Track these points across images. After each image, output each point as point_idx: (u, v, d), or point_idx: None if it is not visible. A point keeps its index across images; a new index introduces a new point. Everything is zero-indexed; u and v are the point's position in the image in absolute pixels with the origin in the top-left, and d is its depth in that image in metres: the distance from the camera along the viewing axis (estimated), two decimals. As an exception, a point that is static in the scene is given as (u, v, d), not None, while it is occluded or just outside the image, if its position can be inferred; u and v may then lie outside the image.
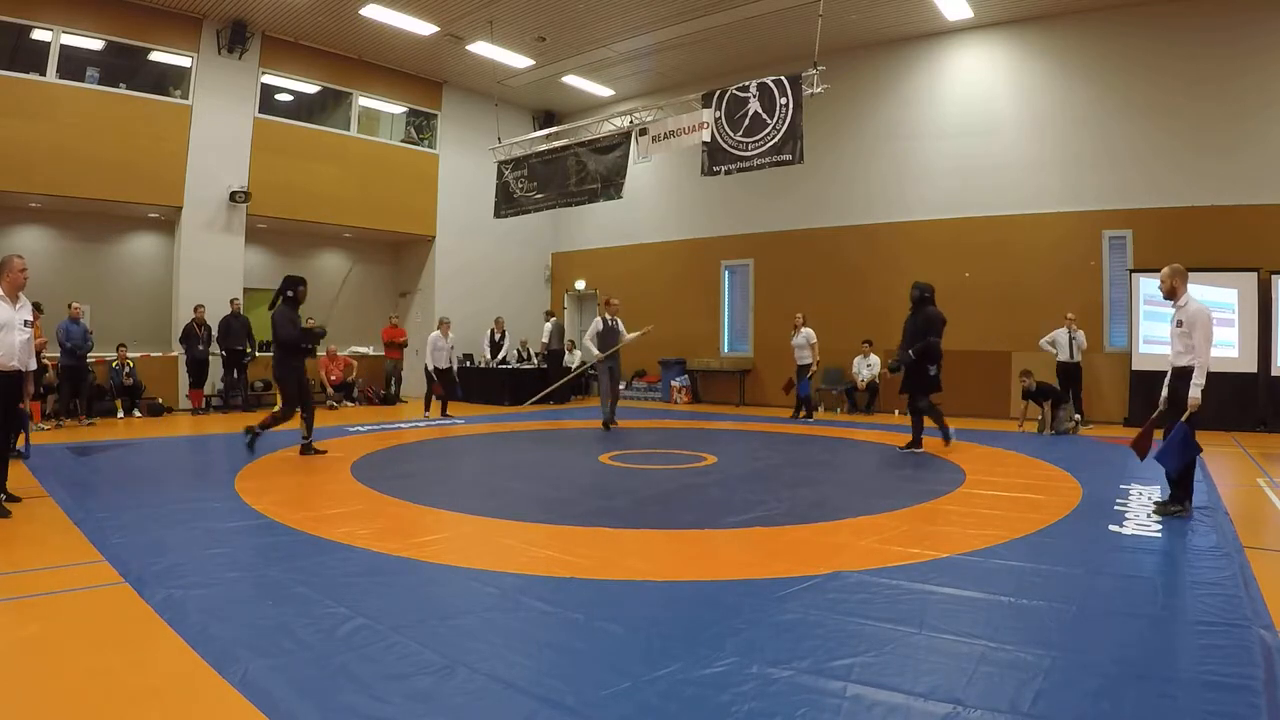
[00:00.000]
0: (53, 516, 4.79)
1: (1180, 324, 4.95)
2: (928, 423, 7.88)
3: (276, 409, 7.52)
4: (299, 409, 7.38)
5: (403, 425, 10.37)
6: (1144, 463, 5.39)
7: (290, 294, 7.29)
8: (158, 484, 6.09)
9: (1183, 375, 4.87)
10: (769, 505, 5.28)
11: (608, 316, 10.13)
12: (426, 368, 11.36)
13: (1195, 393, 4.77)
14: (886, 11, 11.52)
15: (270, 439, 8.66)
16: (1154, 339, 10.35)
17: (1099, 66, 11.01)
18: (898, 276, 12.55)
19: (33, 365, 5.06)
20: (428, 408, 11.69)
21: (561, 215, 15.78)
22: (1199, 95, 10.30)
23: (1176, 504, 4.93)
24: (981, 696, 2.34)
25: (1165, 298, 5.15)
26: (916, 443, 7.83)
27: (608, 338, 10.01)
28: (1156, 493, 5.53)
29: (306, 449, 7.46)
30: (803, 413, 11.46)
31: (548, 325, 14.80)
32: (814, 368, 11.50)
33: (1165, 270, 5.10)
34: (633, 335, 10.23)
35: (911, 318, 7.78)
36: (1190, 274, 5.17)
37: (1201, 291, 5.12)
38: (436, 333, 11.37)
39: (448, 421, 10.94)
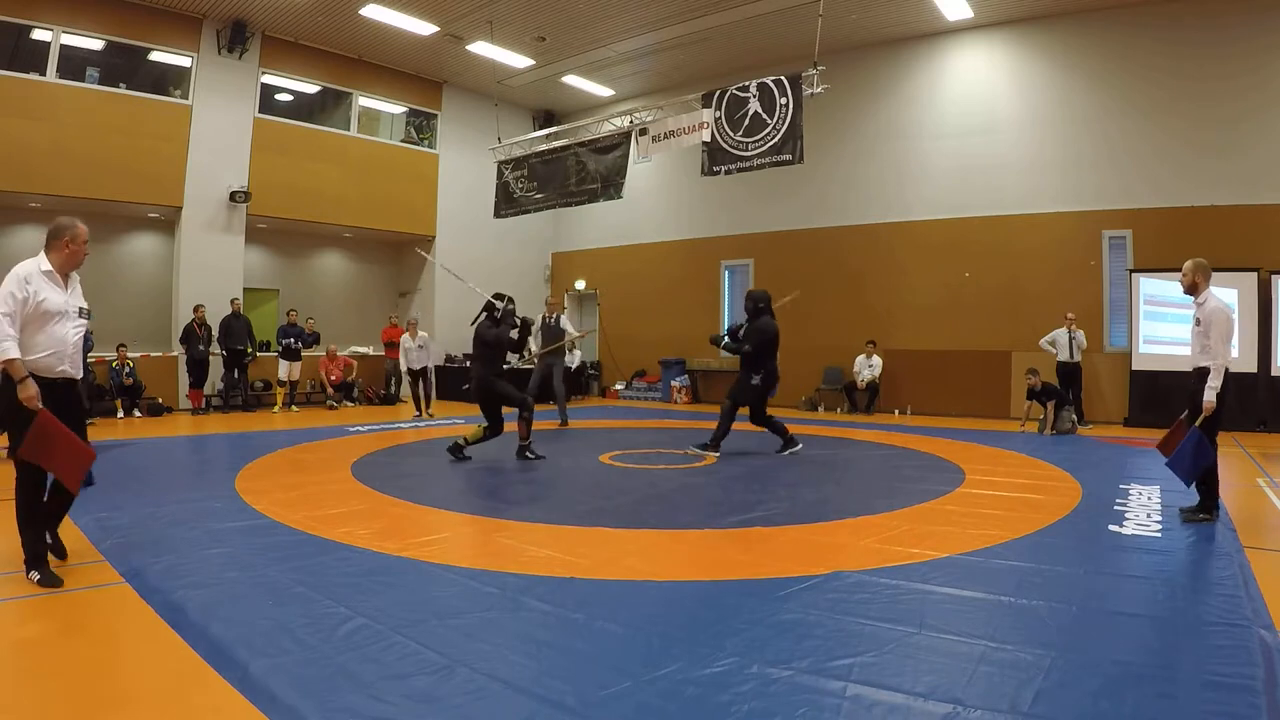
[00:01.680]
0: (53, 516, 4.78)
1: (1199, 323, 4.73)
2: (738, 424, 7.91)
3: (523, 415, 7.16)
4: (525, 409, 7.12)
5: (403, 425, 10.37)
6: (1149, 464, 5.38)
7: (495, 313, 7.08)
8: (158, 484, 6.09)
9: (1204, 377, 4.64)
10: (769, 505, 5.28)
11: (547, 314, 10.41)
12: (401, 369, 11.64)
13: (1210, 396, 4.57)
14: (886, 11, 11.52)
15: (271, 439, 8.68)
16: (1154, 339, 10.36)
17: (1099, 66, 11.00)
18: (898, 276, 12.59)
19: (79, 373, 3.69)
20: (418, 408, 11.65)
21: (561, 215, 15.78)
22: (1199, 95, 10.30)
23: (1204, 511, 4.71)
24: (981, 696, 2.34)
25: (1185, 292, 4.92)
26: (789, 442, 7.72)
27: (545, 335, 10.25)
28: (1156, 492, 5.54)
29: (524, 451, 7.16)
30: None
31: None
32: None
33: (1188, 264, 4.83)
34: (575, 334, 10.56)
35: (747, 325, 7.72)
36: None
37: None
38: (405, 335, 11.48)
39: (429, 422, 10.80)
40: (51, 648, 2.78)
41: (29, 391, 3.31)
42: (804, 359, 13.02)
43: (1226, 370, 4.64)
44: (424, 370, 11.62)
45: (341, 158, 13.74)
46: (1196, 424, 4.64)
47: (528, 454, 7.16)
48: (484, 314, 7.17)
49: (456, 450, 7.10)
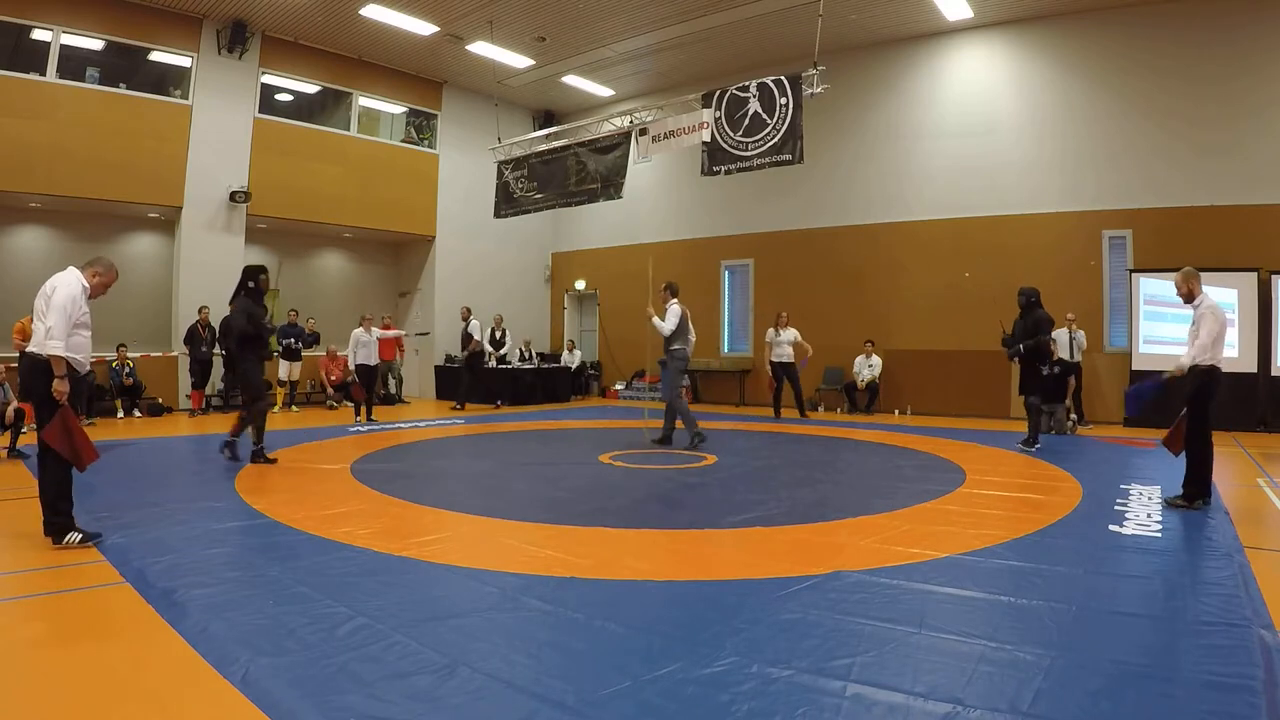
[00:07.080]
0: (53, 516, 4.78)
1: (1194, 324, 5.01)
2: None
3: (243, 412, 7.08)
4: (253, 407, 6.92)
5: (403, 425, 10.37)
6: (1149, 464, 5.41)
7: (252, 285, 6.93)
8: (158, 484, 6.10)
9: (1197, 375, 4.93)
10: (769, 505, 5.28)
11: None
12: (349, 366, 10.81)
13: (1184, 360, 4.92)
14: (886, 11, 11.52)
15: (271, 439, 8.65)
16: (1154, 339, 10.35)
17: (1099, 66, 11.00)
18: (898, 276, 12.58)
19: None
20: (358, 414, 10.75)
21: (561, 215, 15.78)
22: (1199, 95, 10.29)
23: (1184, 500, 5.05)
24: (981, 696, 2.34)
25: (1186, 302, 5.16)
26: (1033, 440, 7.98)
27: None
28: (1157, 492, 5.55)
29: (257, 455, 6.86)
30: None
31: (476, 322, 13.43)
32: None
33: (1178, 276, 5.13)
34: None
35: (1020, 320, 8.09)
36: (1190, 274, 5.19)
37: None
38: (359, 329, 10.73)
39: (370, 428, 9.93)
40: (51, 647, 2.78)
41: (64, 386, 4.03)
42: (804, 359, 13.02)
43: (1209, 368, 4.94)
44: (374, 369, 10.89)
45: (341, 158, 13.74)
46: (1163, 378, 5.15)
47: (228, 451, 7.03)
48: (240, 291, 7.02)
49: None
